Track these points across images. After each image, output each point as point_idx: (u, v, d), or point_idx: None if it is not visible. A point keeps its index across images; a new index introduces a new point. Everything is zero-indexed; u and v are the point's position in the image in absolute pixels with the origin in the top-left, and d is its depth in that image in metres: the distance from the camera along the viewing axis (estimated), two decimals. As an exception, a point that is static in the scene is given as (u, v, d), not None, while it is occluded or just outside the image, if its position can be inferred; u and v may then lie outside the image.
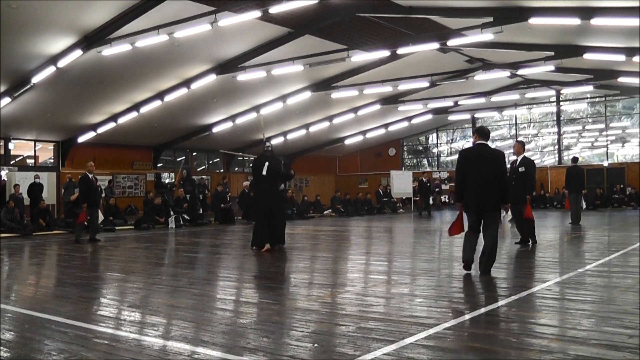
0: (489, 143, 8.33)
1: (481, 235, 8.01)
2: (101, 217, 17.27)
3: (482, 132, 8.25)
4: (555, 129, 34.07)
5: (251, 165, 13.10)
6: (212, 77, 20.88)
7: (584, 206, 18.77)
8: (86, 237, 14.66)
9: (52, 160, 26.02)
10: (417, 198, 28.60)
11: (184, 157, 28.89)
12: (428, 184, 27.98)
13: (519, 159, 12.07)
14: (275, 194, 11.86)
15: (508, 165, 11.15)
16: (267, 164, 11.67)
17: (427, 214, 26.28)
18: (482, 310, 5.72)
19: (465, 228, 8.14)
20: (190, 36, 16.23)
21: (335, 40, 19.67)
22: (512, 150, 12.79)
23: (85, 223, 15.09)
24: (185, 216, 21.18)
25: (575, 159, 18.80)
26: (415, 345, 4.53)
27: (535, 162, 35.65)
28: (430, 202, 27.97)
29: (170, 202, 21.31)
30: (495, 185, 7.87)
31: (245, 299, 7.11)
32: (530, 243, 11.59)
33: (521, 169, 11.84)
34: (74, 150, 25.62)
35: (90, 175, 14.82)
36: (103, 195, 20.61)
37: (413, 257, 10.79)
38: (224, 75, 20.93)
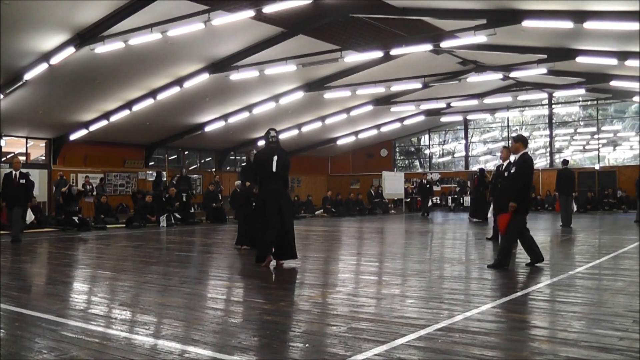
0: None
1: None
2: (31, 217, 16.38)
3: (527, 141, 9.09)
4: (547, 132, 34.19)
5: (253, 159, 10.60)
6: (204, 76, 20.81)
7: (575, 209, 18.85)
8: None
9: (43, 158, 25.87)
10: (418, 199, 28.58)
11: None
12: (428, 186, 27.83)
13: (505, 163, 12.46)
14: (286, 195, 9.75)
15: (493, 169, 11.59)
16: (275, 157, 9.45)
17: (426, 215, 26.16)
18: (473, 311, 5.73)
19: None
20: (183, 35, 16.18)
21: (329, 41, 19.65)
22: (499, 154, 13.60)
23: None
24: (177, 215, 21.17)
25: (565, 162, 18.93)
26: (406, 346, 4.54)
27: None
28: (430, 203, 27.62)
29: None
30: None
31: (237, 298, 7.10)
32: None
33: (507, 174, 12.17)
34: (66, 147, 25.48)
35: (15, 173, 13.88)
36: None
37: (404, 258, 10.81)
38: (217, 75, 20.87)
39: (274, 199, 9.31)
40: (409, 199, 33.12)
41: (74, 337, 4.91)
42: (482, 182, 21.15)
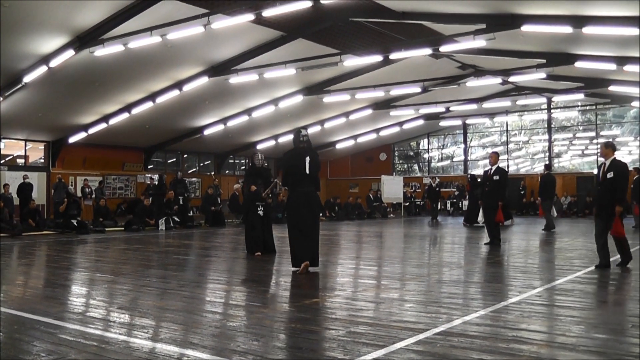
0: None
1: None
2: None
3: (615, 147, 9.35)
4: (546, 137, 34.18)
5: (283, 159, 10.03)
6: (204, 80, 20.82)
7: (555, 214, 18.77)
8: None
9: (42, 160, 25.87)
10: (426, 201, 28.44)
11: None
12: (437, 189, 27.50)
13: (494, 168, 13.40)
14: (318, 200, 9.37)
15: (479, 172, 11.77)
16: (308, 158, 9.07)
17: (435, 221, 25.39)
18: (472, 315, 5.73)
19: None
20: (183, 38, 16.16)
21: (328, 45, 19.66)
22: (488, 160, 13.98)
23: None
24: (176, 218, 21.16)
25: (547, 167, 19.13)
26: (405, 350, 4.54)
27: (526, 169, 35.73)
28: (439, 207, 27.06)
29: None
30: None
31: (235, 302, 7.09)
32: (498, 243, 13.05)
33: (495, 177, 13.20)
34: (65, 150, 25.48)
35: None
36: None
37: (403, 262, 10.81)
38: (216, 78, 20.86)
39: (307, 202, 8.99)
40: (407, 203, 33.09)
41: (72, 340, 4.91)
42: (475, 186, 21.14)
